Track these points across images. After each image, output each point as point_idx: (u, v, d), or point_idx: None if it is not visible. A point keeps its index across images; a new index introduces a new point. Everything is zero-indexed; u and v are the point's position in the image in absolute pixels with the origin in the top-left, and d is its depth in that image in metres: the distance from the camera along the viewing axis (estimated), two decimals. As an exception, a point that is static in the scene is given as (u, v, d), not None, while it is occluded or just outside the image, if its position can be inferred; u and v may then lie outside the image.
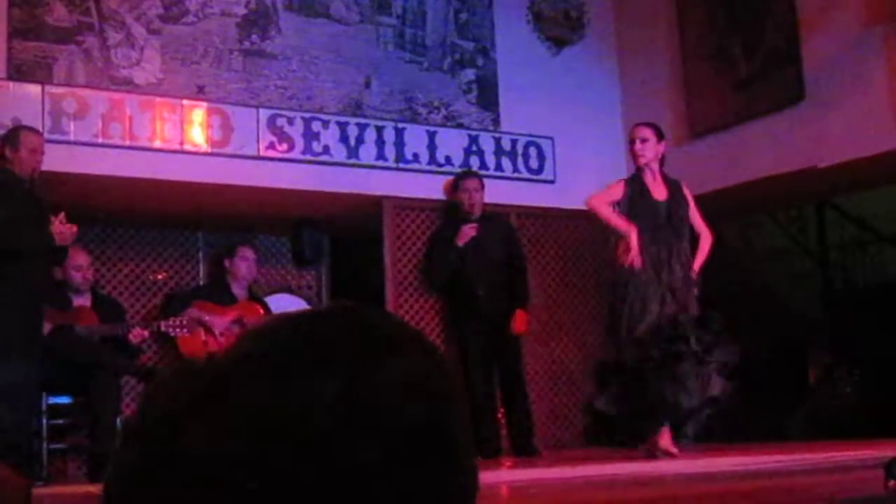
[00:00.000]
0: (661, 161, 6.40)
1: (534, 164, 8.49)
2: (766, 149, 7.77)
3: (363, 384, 0.80)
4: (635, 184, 6.34)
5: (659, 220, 6.24)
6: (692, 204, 6.44)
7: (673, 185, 6.41)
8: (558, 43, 8.86)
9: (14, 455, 5.78)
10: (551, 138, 8.52)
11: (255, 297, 7.62)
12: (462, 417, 0.88)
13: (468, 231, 7.47)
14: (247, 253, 7.57)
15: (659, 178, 6.36)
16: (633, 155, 6.37)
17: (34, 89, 6.68)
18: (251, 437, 0.77)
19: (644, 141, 6.31)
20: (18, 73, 6.64)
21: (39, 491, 5.69)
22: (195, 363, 0.86)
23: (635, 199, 6.29)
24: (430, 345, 0.90)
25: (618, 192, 6.37)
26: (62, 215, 5.99)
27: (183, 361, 0.89)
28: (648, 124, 6.51)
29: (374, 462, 0.78)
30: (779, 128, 7.73)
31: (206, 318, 7.13)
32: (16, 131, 6.12)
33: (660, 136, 6.39)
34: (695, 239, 6.40)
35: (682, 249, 6.28)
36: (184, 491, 0.77)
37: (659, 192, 6.32)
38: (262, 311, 7.44)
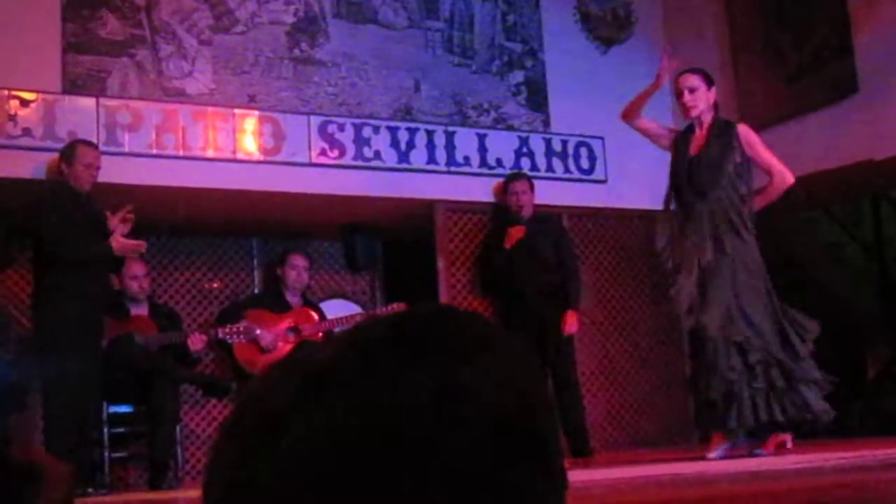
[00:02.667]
0: (716, 109, 5.76)
1: (584, 164, 8.47)
2: (819, 143, 7.69)
3: (456, 382, 0.81)
4: (680, 141, 5.76)
5: (680, 181, 5.68)
6: (754, 144, 5.67)
7: (716, 133, 5.67)
8: (606, 42, 8.83)
9: (73, 459, 5.88)
10: (602, 138, 8.49)
11: (310, 304, 7.66)
12: (551, 417, 0.88)
13: (515, 233, 7.47)
14: (297, 261, 7.59)
15: (706, 130, 5.70)
16: (683, 108, 5.69)
17: (89, 102, 6.77)
18: (354, 434, 0.78)
19: (693, 91, 5.65)
20: (73, 86, 6.73)
21: (102, 499, 5.77)
22: (292, 362, 0.87)
23: (674, 158, 5.79)
24: (519, 344, 0.90)
25: (664, 134, 5.91)
26: (122, 215, 6.08)
27: (280, 362, 0.90)
28: (695, 70, 5.84)
29: (467, 459, 0.79)
30: (832, 121, 7.65)
31: (258, 330, 7.15)
32: (72, 146, 6.22)
33: (710, 81, 5.75)
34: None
35: (712, 215, 5.53)
36: (284, 489, 0.78)
37: (695, 146, 5.69)
38: (316, 316, 7.47)
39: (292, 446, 0.79)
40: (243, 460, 0.81)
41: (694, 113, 5.64)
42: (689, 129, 5.75)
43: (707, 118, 5.69)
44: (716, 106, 5.75)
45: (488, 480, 0.79)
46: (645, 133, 5.92)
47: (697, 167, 5.59)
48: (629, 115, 5.89)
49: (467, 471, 0.79)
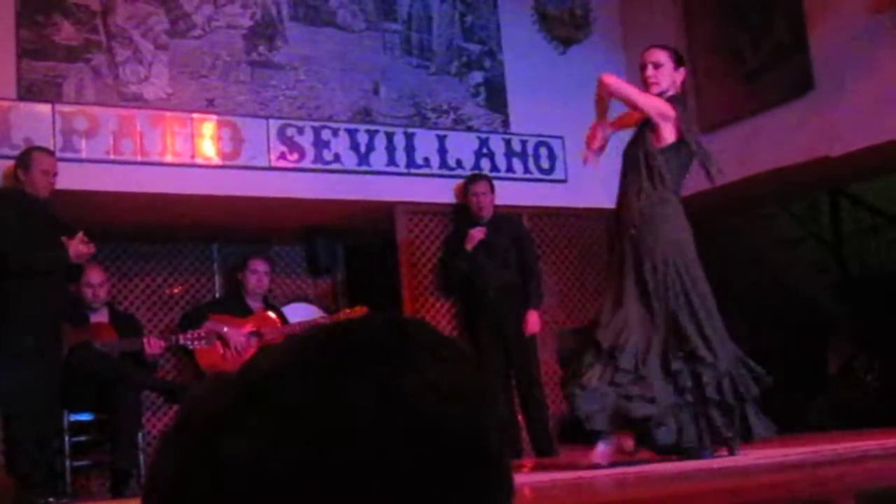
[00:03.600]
0: (684, 91, 5.34)
1: (545, 163, 8.49)
2: (776, 140, 7.76)
3: (398, 391, 0.80)
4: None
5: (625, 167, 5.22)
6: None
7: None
8: (565, 42, 8.86)
9: (37, 471, 5.83)
10: (561, 137, 8.52)
11: (271, 307, 7.63)
12: (498, 422, 0.87)
13: (476, 234, 7.48)
14: (257, 265, 7.53)
15: None
16: (644, 83, 5.16)
17: (44, 109, 6.71)
18: (292, 442, 0.77)
19: (658, 66, 5.15)
20: (28, 93, 6.67)
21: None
22: (237, 372, 0.86)
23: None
24: (464, 350, 0.89)
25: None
26: (81, 234, 6.03)
27: (220, 372, 0.89)
28: (664, 46, 5.41)
29: (414, 466, 0.78)
30: (789, 118, 7.71)
31: (225, 328, 7.14)
32: (28, 153, 6.17)
33: (678, 61, 5.26)
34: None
35: (652, 211, 5.09)
36: (220, 497, 0.77)
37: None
38: (278, 320, 7.44)
39: (229, 454, 0.78)
40: (182, 466, 0.80)
41: (654, 90, 5.12)
42: None
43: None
44: (683, 91, 5.39)
45: (434, 484, 0.79)
46: (628, 96, 5.24)
47: (643, 149, 5.23)
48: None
49: (411, 485, 0.77)
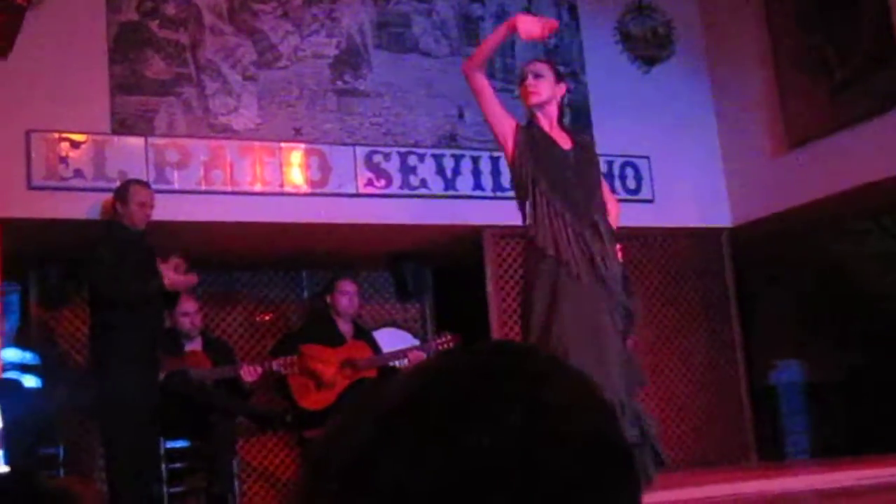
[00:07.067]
0: (561, 112, 5.02)
1: (631, 184, 8.44)
2: (867, 154, 7.62)
3: (542, 401, 0.84)
4: (532, 129, 4.87)
5: (568, 177, 4.79)
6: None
7: (577, 136, 5.10)
8: (648, 61, 8.82)
9: (139, 497, 5.94)
10: (647, 157, 8.47)
11: (362, 333, 7.62)
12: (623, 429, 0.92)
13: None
14: (346, 286, 7.52)
15: (557, 126, 4.94)
16: (523, 93, 4.91)
17: (137, 142, 6.85)
18: (446, 465, 0.80)
19: (538, 76, 4.90)
20: (122, 127, 6.82)
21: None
22: (367, 402, 0.89)
23: (539, 146, 4.82)
24: (572, 367, 0.93)
25: (509, 124, 4.87)
26: (176, 261, 6.14)
27: (353, 404, 0.92)
28: (546, 61, 5.36)
29: (566, 474, 0.81)
30: (879, 132, 7.58)
31: (314, 365, 7.14)
32: (126, 186, 6.30)
33: (558, 76, 5.01)
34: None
35: (606, 227, 4.75)
36: None
37: (563, 141, 4.90)
38: (369, 349, 7.43)
39: (389, 480, 0.81)
40: (339, 496, 0.83)
41: (534, 99, 4.86)
42: (534, 121, 4.93)
43: (552, 112, 4.94)
44: (561, 110, 5.06)
45: (587, 493, 0.82)
46: (480, 95, 4.95)
47: (586, 168, 4.93)
48: (475, 63, 4.98)
49: (567, 485, 0.81)
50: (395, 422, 0.84)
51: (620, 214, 5.07)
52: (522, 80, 4.95)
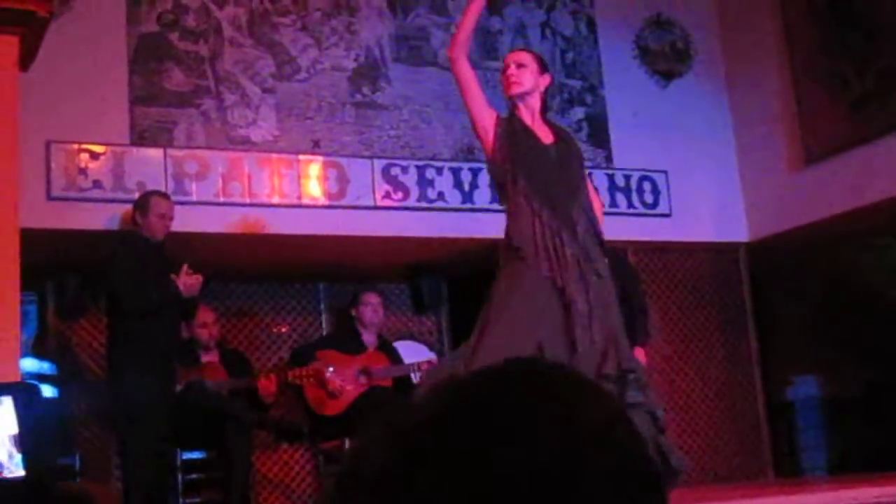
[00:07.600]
0: (544, 105, 4.80)
1: (649, 198, 8.43)
2: (885, 169, 7.59)
3: (577, 422, 0.84)
4: (513, 121, 4.65)
5: (551, 172, 4.58)
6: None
7: (561, 131, 4.89)
8: (666, 76, 8.82)
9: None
10: (665, 172, 8.46)
11: (386, 346, 7.60)
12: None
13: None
14: (370, 298, 7.52)
15: (539, 119, 4.72)
16: (505, 82, 4.69)
17: (156, 153, 6.88)
18: (480, 486, 0.80)
19: (521, 66, 4.68)
20: (141, 138, 6.85)
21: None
22: (393, 420, 0.88)
23: (518, 138, 4.59)
24: (602, 388, 0.92)
25: (490, 115, 4.65)
26: (185, 267, 6.16)
27: (383, 417, 0.91)
28: (530, 51, 5.15)
29: (602, 493, 0.81)
30: (900, 147, 7.56)
31: (328, 371, 7.14)
32: (146, 197, 6.33)
33: (543, 67, 4.79)
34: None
35: (590, 223, 4.62)
36: None
37: (545, 135, 4.68)
38: (388, 360, 7.42)
39: (427, 493, 0.81)
40: None
41: (515, 90, 4.65)
42: (514, 112, 4.72)
43: (534, 104, 4.72)
44: (545, 103, 4.83)
45: None
46: (464, 83, 4.65)
47: (568, 162, 4.73)
48: (457, 44, 4.68)
49: None
50: (428, 437, 0.84)
51: (604, 214, 4.91)
52: (504, 69, 4.74)
